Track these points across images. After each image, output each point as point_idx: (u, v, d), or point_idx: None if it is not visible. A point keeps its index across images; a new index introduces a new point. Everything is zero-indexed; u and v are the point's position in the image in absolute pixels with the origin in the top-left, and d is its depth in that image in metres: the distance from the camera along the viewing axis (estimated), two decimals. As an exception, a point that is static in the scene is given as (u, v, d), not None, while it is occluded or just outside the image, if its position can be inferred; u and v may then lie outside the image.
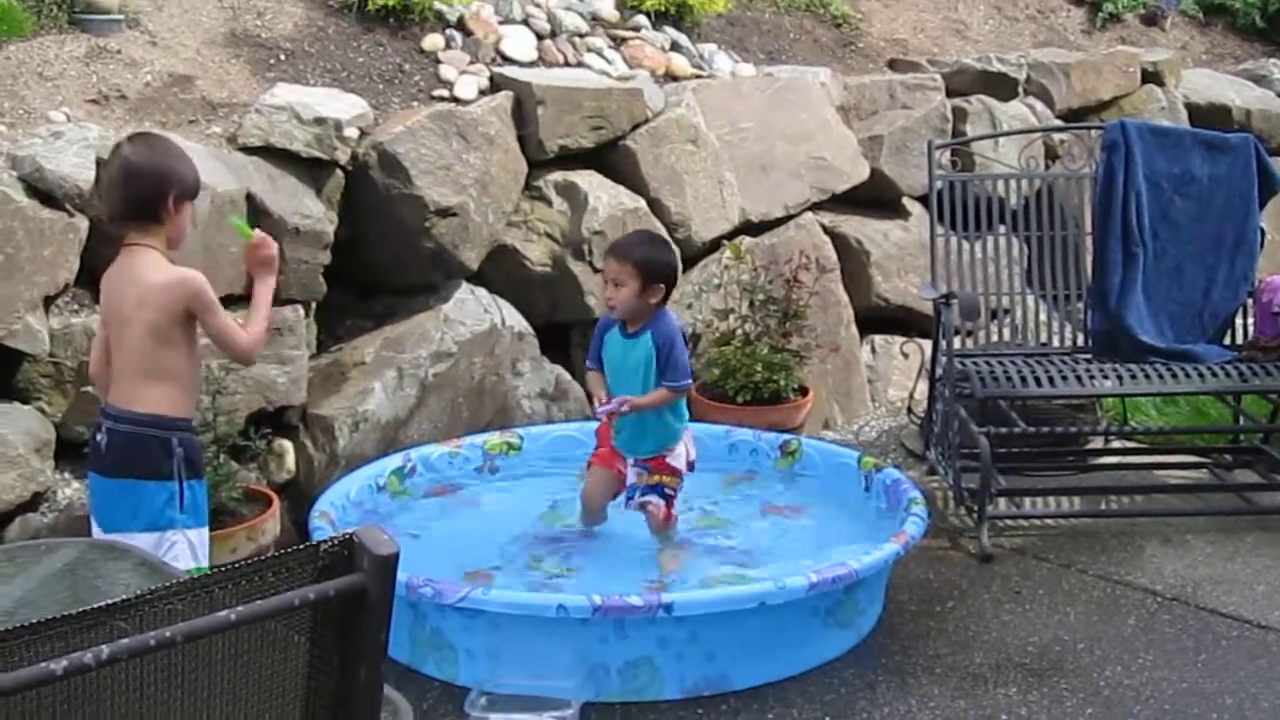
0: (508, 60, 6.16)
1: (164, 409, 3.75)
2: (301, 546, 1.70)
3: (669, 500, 4.76)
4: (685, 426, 4.82)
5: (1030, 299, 6.18)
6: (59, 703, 1.53)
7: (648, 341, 4.64)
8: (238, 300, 4.79)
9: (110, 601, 1.54)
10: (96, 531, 3.80)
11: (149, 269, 3.76)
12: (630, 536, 4.85)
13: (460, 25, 6.24)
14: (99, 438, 3.79)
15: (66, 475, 4.60)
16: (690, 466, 4.83)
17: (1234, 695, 4.13)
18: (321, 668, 1.76)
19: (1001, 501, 5.47)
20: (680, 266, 4.92)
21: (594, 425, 5.57)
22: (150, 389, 3.75)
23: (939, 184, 5.97)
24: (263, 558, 1.67)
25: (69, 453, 4.55)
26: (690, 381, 4.77)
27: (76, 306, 4.67)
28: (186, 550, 3.77)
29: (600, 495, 4.89)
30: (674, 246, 5.17)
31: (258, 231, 4.06)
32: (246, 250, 4.05)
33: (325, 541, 1.72)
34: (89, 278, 4.70)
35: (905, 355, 6.65)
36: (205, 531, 3.91)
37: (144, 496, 3.75)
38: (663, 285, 4.66)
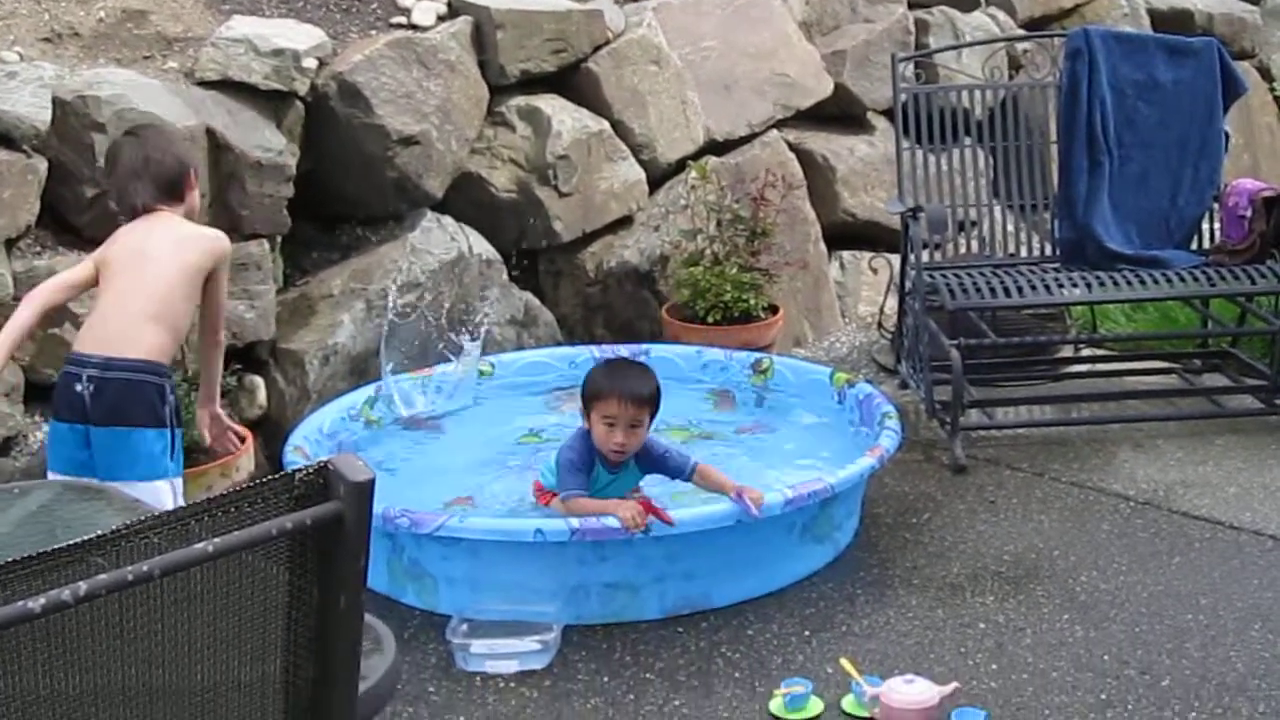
0: (465, -15, 6.10)
1: (157, 356, 3.81)
2: (277, 476, 1.70)
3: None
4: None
5: (997, 210, 6.18)
6: (39, 640, 1.52)
7: (633, 468, 4.35)
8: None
9: (86, 538, 1.53)
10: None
11: (181, 223, 4.01)
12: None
13: (416, -50, 6.17)
14: (79, 388, 3.77)
15: (37, 419, 4.56)
16: None
17: (1208, 596, 4.18)
18: (301, 597, 1.76)
19: (973, 413, 5.50)
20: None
21: (566, 352, 5.58)
22: (150, 334, 3.80)
23: (903, 97, 5.94)
24: (238, 489, 1.67)
25: (39, 396, 4.51)
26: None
27: (39, 249, 4.62)
28: (170, 500, 3.81)
29: None
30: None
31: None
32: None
33: (300, 470, 1.71)
34: (51, 219, 4.66)
35: (874, 270, 6.65)
36: (180, 479, 3.97)
37: (141, 444, 3.78)
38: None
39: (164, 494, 3.77)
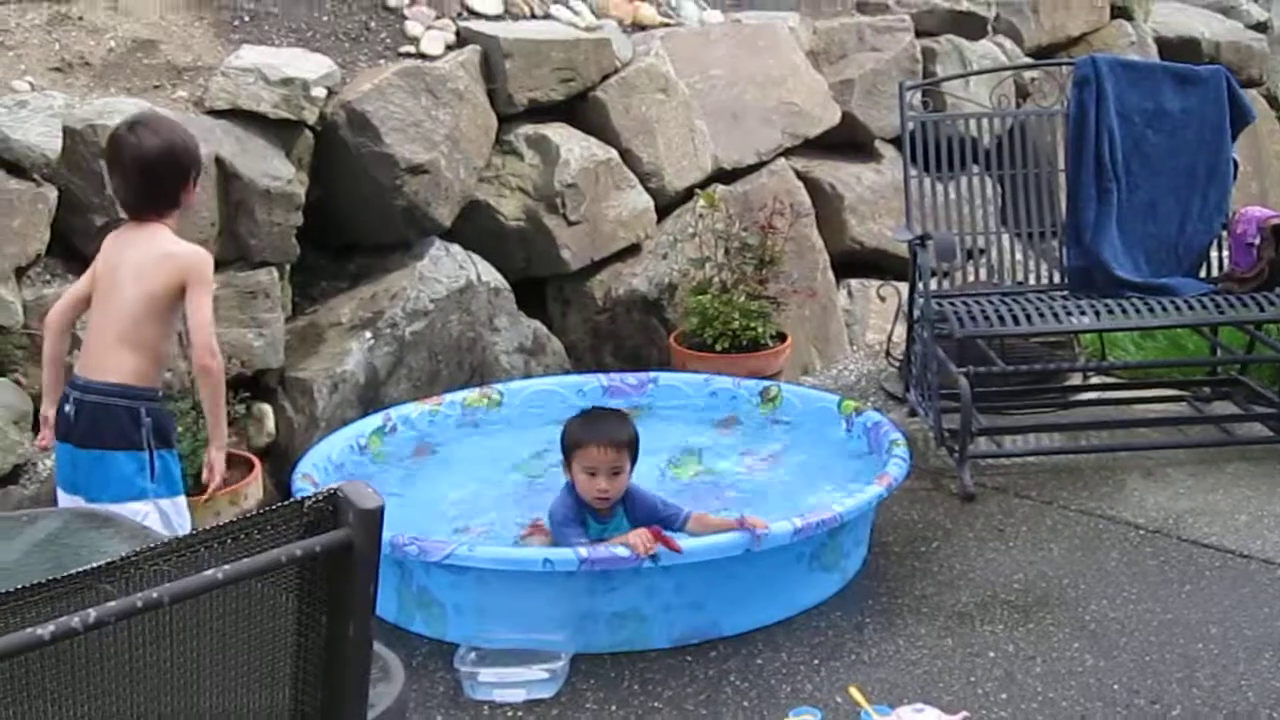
0: (474, 14, 6.11)
1: (131, 380, 3.78)
2: (286, 503, 1.69)
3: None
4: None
5: (1005, 238, 6.18)
6: (48, 668, 1.52)
7: (622, 517, 4.30)
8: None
9: (95, 565, 1.53)
10: (63, 498, 3.84)
11: (160, 240, 3.83)
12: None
13: (425, -20, 6.19)
14: (67, 409, 3.81)
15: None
16: None
17: (1218, 625, 4.16)
18: (310, 624, 1.75)
19: (982, 441, 5.49)
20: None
21: (575, 380, 5.58)
22: (123, 358, 3.77)
23: (911, 125, 5.94)
24: (248, 516, 1.66)
25: (47, 423, 4.53)
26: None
27: (49, 277, 4.64)
28: (158, 520, 3.78)
29: None
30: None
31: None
32: None
33: (310, 497, 1.70)
34: (61, 248, 4.68)
35: (882, 298, 6.65)
36: (181, 500, 3.94)
37: (114, 466, 3.78)
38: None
39: (149, 515, 3.75)
